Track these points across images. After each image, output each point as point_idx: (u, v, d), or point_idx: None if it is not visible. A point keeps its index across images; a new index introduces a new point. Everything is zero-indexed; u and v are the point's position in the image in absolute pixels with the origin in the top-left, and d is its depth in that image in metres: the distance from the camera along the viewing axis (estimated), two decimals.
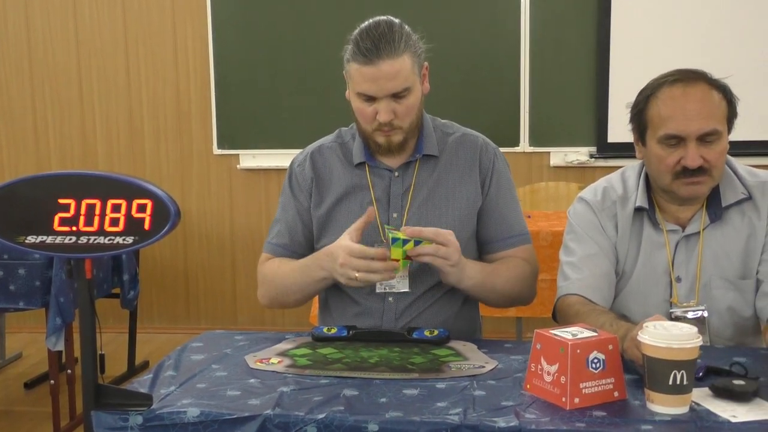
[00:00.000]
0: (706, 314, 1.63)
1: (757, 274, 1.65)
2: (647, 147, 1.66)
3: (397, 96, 1.69)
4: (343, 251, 1.62)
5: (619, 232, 1.73)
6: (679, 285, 1.68)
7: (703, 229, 1.67)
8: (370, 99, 1.70)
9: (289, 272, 1.80)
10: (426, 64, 1.76)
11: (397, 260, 1.59)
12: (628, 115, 1.72)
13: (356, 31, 1.71)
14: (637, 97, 1.68)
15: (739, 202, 1.67)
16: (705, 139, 1.58)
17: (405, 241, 1.59)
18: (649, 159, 1.67)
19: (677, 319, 1.63)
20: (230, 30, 4.14)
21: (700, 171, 1.60)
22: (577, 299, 1.66)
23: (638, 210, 1.71)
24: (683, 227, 1.69)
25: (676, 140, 1.60)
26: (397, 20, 1.72)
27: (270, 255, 1.88)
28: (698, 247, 1.67)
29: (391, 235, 1.59)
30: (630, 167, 1.79)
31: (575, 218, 1.78)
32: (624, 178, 1.77)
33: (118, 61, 4.30)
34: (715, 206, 1.67)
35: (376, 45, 1.65)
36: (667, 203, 1.70)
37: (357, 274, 1.60)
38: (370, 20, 1.71)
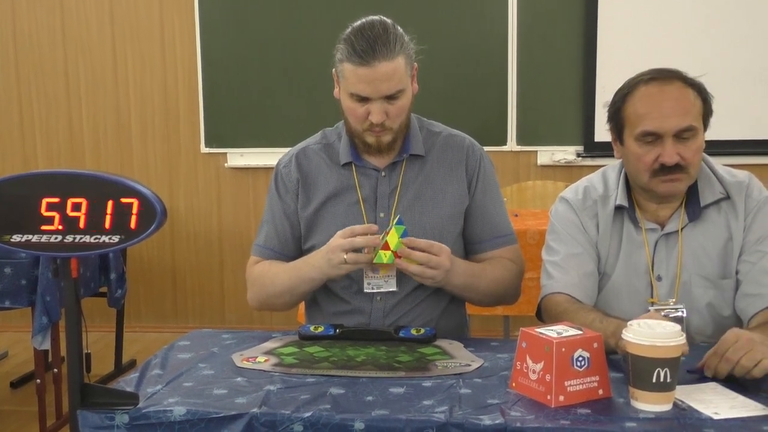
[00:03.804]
0: (684, 314, 1.64)
1: (737, 274, 1.66)
2: (625, 146, 1.68)
3: (390, 97, 1.70)
4: (335, 237, 1.65)
5: (600, 231, 1.74)
6: (660, 284, 1.69)
7: (682, 228, 1.68)
8: (363, 99, 1.70)
9: (278, 274, 1.80)
10: (415, 65, 1.77)
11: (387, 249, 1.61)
12: (606, 115, 1.73)
13: (349, 31, 1.70)
14: (614, 96, 1.70)
15: (717, 202, 1.68)
16: (681, 136, 1.60)
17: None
18: (627, 157, 1.68)
19: None
20: (218, 28, 4.13)
21: (677, 168, 1.61)
22: (563, 298, 1.67)
23: (618, 209, 1.73)
24: (662, 226, 1.70)
25: (653, 137, 1.62)
26: (389, 21, 1.72)
27: (259, 258, 1.88)
28: (678, 245, 1.68)
29: (390, 230, 1.61)
30: (611, 167, 1.80)
31: (557, 218, 1.79)
32: (605, 178, 1.78)
33: (106, 58, 4.28)
34: (693, 205, 1.68)
35: (372, 46, 1.65)
36: (646, 202, 1.71)
37: (346, 256, 1.61)
38: (363, 20, 1.71)
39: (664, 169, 1.61)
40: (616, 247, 1.73)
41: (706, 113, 1.65)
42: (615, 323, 1.43)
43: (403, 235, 1.61)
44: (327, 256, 1.66)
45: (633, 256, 1.71)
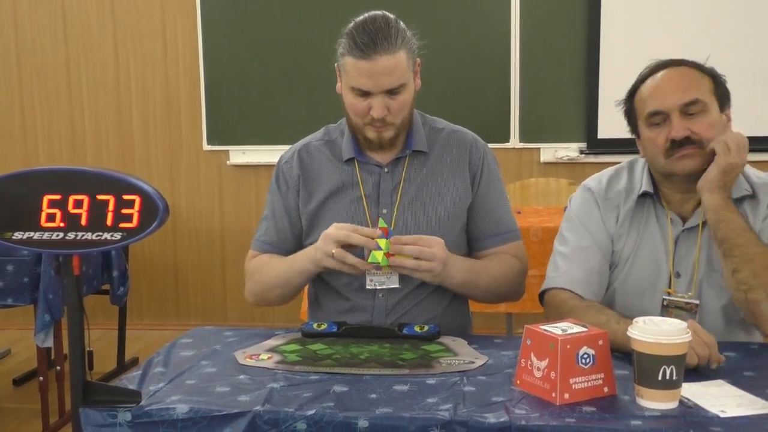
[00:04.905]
0: (697, 304, 1.62)
1: None
2: (641, 137, 1.68)
3: (391, 92, 1.69)
4: (332, 226, 1.64)
5: (619, 222, 1.71)
6: (678, 280, 1.66)
7: (703, 222, 1.64)
8: (364, 94, 1.70)
9: (274, 266, 1.80)
10: (418, 60, 1.76)
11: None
12: (623, 116, 1.73)
13: (351, 25, 1.70)
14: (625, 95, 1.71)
15: (741, 200, 1.65)
16: (688, 110, 1.60)
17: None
18: (644, 147, 1.68)
19: (669, 305, 1.62)
20: (220, 26, 4.12)
21: (688, 142, 1.59)
22: (568, 295, 1.66)
23: (642, 198, 1.69)
24: (684, 221, 1.67)
25: (660, 117, 1.62)
26: (392, 15, 1.71)
27: (257, 252, 1.88)
28: (697, 240, 1.65)
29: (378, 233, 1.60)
30: (639, 159, 1.77)
31: (575, 207, 1.76)
32: (631, 169, 1.76)
33: (107, 56, 4.27)
34: None
35: (374, 40, 1.64)
36: (671, 192, 1.68)
37: (334, 250, 1.60)
38: (366, 15, 1.71)
39: (674, 146, 1.60)
40: (636, 240, 1.69)
41: (721, 94, 1.64)
42: (625, 325, 1.40)
43: (390, 235, 1.60)
44: (319, 243, 1.65)
45: (653, 249, 1.68)
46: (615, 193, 1.73)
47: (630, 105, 1.70)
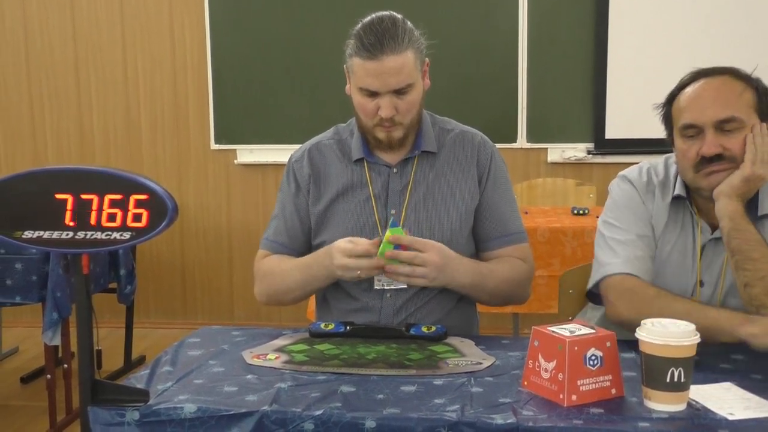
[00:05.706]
0: None
1: None
2: (674, 146, 1.63)
3: (399, 92, 1.69)
4: (338, 253, 1.65)
5: (654, 217, 1.67)
6: (702, 290, 1.63)
7: None
8: (372, 94, 1.70)
9: (290, 270, 1.80)
10: (427, 60, 1.76)
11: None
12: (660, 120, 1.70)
13: (359, 26, 1.70)
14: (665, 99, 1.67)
15: (764, 217, 1.60)
16: (724, 127, 1.54)
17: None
18: (677, 156, 1.64)
19: None
20: (228, 25, 4.13)
21: (718, 159, 1.54)
22: (639, 282, 1.58)
23: (675, 200, 1.66)
24: (714, 230, 1.63)
25: (694, 130, 1.57)
26: (399, 16, 1.72)
27: (267, 252, 1.88)
28: (725, 252, 1.60)
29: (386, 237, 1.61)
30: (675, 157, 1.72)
31: (620, 197, 1.72)
32: (667, 165, 1.72)
33: (116, 56, 4.29)
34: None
35: (380, 40, 1.65)
36: (704, 201, 1.64)
37: (359, 272, 1.63)
38: (373, 15, 1.71)
39: (704, 161, 1.55)
40: (670, 243, 1.66)
41: (763, 108, 1.57)
42: (729, 312, 1.44)
43: (393, 225, 1.61)
44: (339, 273, 1.67)
45: (683, 255, 1.65)
46: (653, 185, 1.69)
47: (668, 110, 1.65)
